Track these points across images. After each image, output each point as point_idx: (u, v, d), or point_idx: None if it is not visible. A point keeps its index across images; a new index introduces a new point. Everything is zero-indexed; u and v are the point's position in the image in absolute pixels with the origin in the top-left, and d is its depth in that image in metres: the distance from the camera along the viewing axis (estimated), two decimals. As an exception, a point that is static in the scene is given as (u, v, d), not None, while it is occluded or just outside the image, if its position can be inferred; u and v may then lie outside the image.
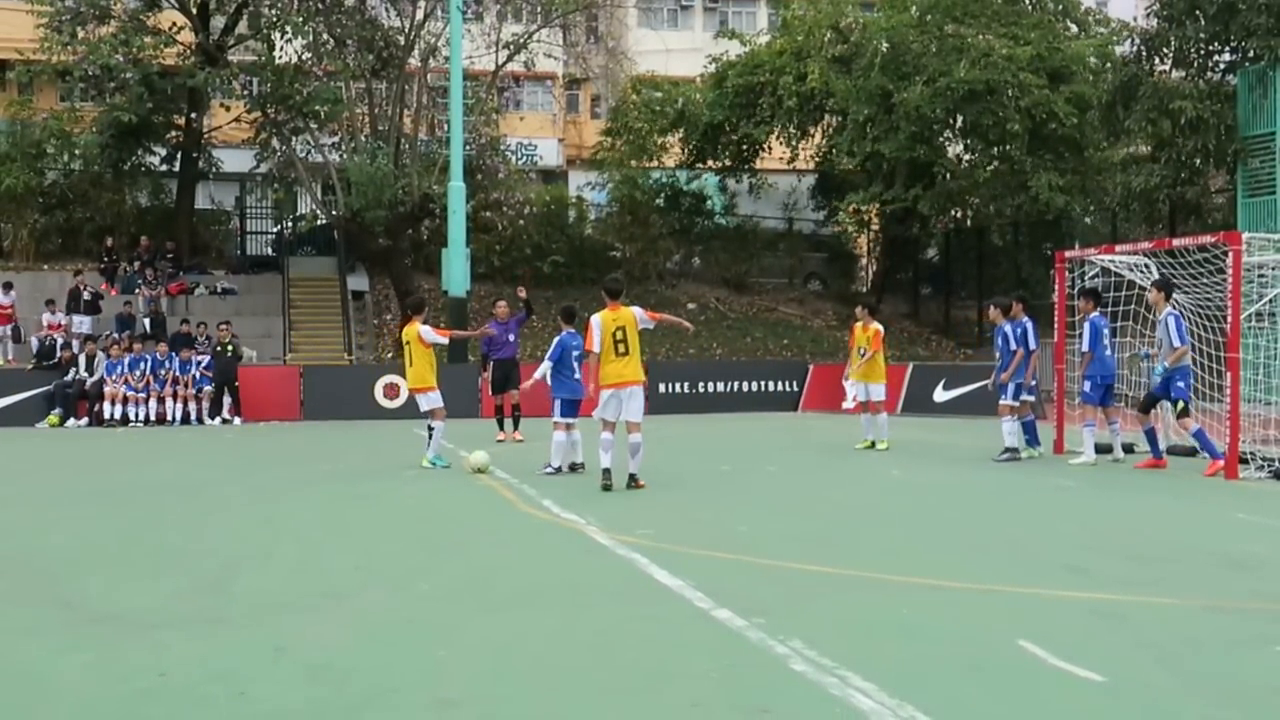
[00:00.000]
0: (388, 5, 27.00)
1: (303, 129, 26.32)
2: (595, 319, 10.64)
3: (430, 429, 12.89)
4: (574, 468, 12.01)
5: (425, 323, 13.09)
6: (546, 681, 4.74)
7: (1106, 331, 13.17)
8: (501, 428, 16.11)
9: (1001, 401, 13.44)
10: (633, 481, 10.54)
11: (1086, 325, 12.89)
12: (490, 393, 16.36)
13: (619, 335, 10.54)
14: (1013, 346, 13.11)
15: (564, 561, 7.40)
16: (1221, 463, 11.71)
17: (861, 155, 27.19)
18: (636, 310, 10.85)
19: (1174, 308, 12.11)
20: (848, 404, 15.32)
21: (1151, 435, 12.47)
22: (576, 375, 12.04)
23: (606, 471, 10.46)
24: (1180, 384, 11.95)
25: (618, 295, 10.86)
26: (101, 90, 26.20)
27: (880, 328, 15.16)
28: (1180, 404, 11.96)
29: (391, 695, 4.57)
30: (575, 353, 12.04)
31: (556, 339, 12.42)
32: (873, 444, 14.64)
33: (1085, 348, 12.81)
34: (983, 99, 25.54)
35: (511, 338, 16.16)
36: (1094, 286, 13.77)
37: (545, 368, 12.46)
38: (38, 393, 20.68)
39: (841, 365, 24.41)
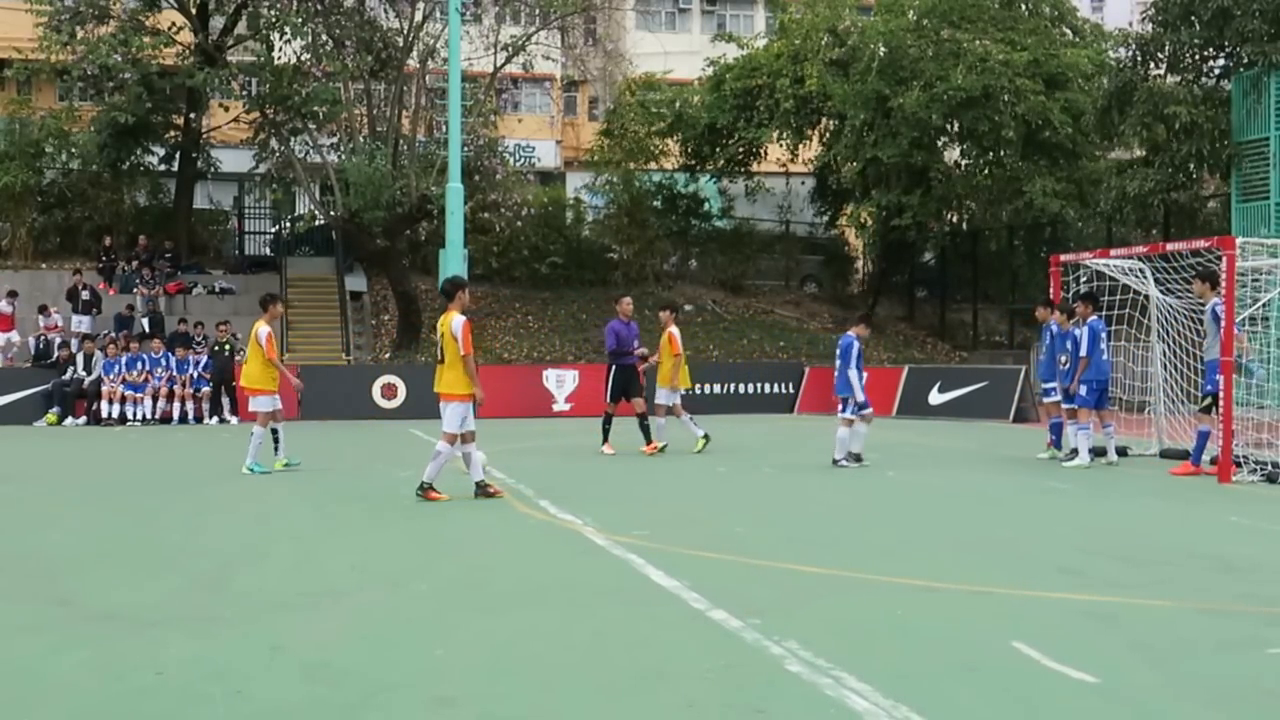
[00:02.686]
0: (386, 6, 27.01)
1: (301, 129, 26.33)
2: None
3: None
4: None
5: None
6: (543, 680, 4.76)
7: (1104, 335, 13.23)
8: (606, 439, 14.64)
9: (1065, 405, 13.48)
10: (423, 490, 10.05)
11: (1085, 329, 12.92)
12: (609, 398, 14.72)
13: (440, 341, 10.14)
14: (1083, 351, 12.93)
15: (561, 561, 7.43)
16: (1193, 467, 11.83)
17: (861, 161, 27.24)
18: (456, 321, 10.00)
19: (1220, 297, 12.04)
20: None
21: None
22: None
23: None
24: (1218, 378, 11.95)
25: (449, 297, 10.24)
26: (100, 90, 26.19)
27: (675, 331, 14.71)
28: (1207, 399, 11.97)
29: (389, 693, 4.59)
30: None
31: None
32: (662, 448, 14.40)
33: (1084, 352, 12.84)
34: (979, 104, 25.61)
35: (635, 342, 14.94)
36: (1090, 290, 13.83)
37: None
38: (36, 391, 20.70)
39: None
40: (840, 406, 13.16)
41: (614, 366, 14.69)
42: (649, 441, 14.43)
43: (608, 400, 14.69)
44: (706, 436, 14.47)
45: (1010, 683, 4.73)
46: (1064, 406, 13.56)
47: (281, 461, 12.59)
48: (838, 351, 13.24)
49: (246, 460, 12.26)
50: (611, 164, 31.68)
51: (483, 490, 10.18)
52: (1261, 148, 21.54)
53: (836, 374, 13.14)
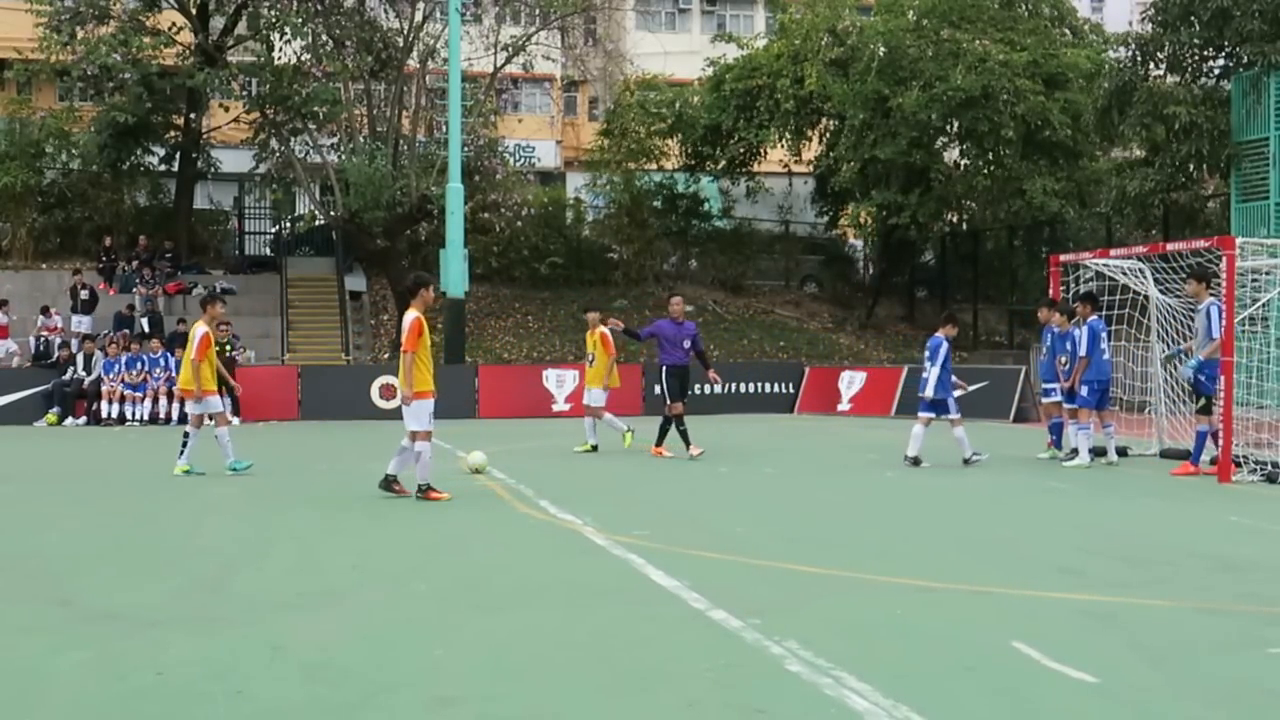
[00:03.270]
0: (387, 7, 27.03)
1: (301, 129, 26.34)
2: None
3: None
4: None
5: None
6: (543, 680, 4.77)
7: (1104, 335, 13.24)
8: (662, 441, 14.31)
9: (1066, 405, 13.51)
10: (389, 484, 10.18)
11: (1085, 329, 12.93)
12: (670, 399, 14.20)
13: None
14: (1082, 351, 12.92)
15: (561, 561, 7.43)
16: (1193, 468, 11.85)
17: (859, 161, 27.25)
18: (407, 317, 10.11)
19: (1215, 297, 12.07)
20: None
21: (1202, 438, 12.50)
22: None
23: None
24: (1202, 378, 11.99)
25: (411, 294, 10.39)
26: (100, 90, 26.19)
27: (606, 331, 14.69)
28: (1204, 400, 11.99)
29: (389, 693, 4.59)
30: None
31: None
32: (594, 447, 14.46)
33: (1084, 351, 12.85)
34: (979, 104, 25.61)
35: (687, 343, 14.45)
36: (1090, 290, 13.84)
37: None
38: (36, 391, 20.70)
39: (837, 369, 24.56)
40: (927, 408, 13.15)
41: (664, 368, 14.28)
42: (660, 443, 14.25)
43: (669, 402, 14.17)
44: (631, 430, 14.57)
45: (1010, 682, 4.73)
46: (1064, 406, 13.58)
47: (183, 466, 12.09)
48: (927, 354, 13.24)
49: (226, 462, 12.09)
50: (611, 164, 31.69)
51: (388, 485, 10.18)
52: (1261, 148, 21.55)
53: (927, 376, 13.05)
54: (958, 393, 13.21)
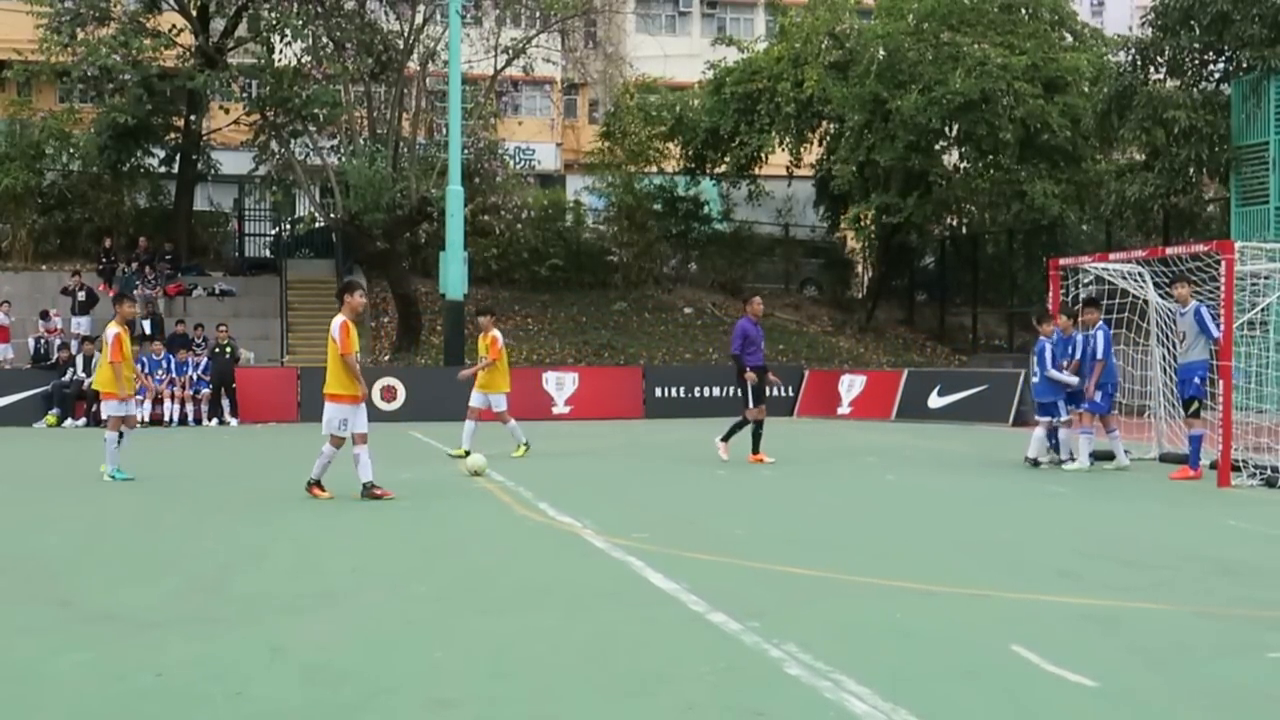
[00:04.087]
0: (387, 9, 27.06)
1: (301, 131, 26.37)
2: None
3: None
4: None
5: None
6: (542, 683, 4.77)
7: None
8: (759, 447, 13.85)
9: (1081, 408, 13.54)
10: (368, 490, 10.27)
11: (1099, 333, 12.92)
12: (753, 404, 13.85)
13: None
14: (1099, 355, 12.88)
15: (560, 564, 7.43)
16: (1193, 473, 11.86)
17: (857, 163, 27.28)
18: (335, 322, 10.24)
19: (1200, 299, 12.10)
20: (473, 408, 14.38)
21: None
22: None
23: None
24: (1197, 381, 12.00)
25: (339, 298, 10.55)
26: (100, 91, 26.23)
27: (499, 335, 14.47)
28: (1195, 404, 12.01)
29: (388, 695, 4.59)
30: None
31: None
32: (466, 452, 13.45)
33: (1100, 355, 12.83)
34: (978, 108, 25.65)
35: (761, 343, 14.25)
36: (1094, 295, 13.83)
37: None
38: (36, 392, 20.71)
39: (836, 371, 24.57)
40: (1044, 411, 13.15)
41: (747, 369, 13.81)
42: (757, 450, 13.74)
43: (753, 406, 13.77)
44: (468, 452, 13.48)
45: (1009, 686, 4.73)
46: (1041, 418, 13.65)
47: (107, 470, 11.95)
48: (1034, 358, 13.27)
49: (107, 466, 11.83)
50: (612, 167, 31.72)
51: (369, 491, 10.24)
52: (1261, 152, 21.57)
53: (1036, 380, 13.03)
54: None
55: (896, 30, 27.09)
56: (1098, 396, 12.87)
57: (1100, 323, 13.05)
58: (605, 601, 6.29)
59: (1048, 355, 13.20)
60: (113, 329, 11.99)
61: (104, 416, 12.09)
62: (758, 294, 15.37)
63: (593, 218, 33.36)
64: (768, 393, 14.18)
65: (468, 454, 13.38)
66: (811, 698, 4.52)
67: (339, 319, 10.25)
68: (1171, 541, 8.62)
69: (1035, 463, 13.23)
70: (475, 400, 14.35)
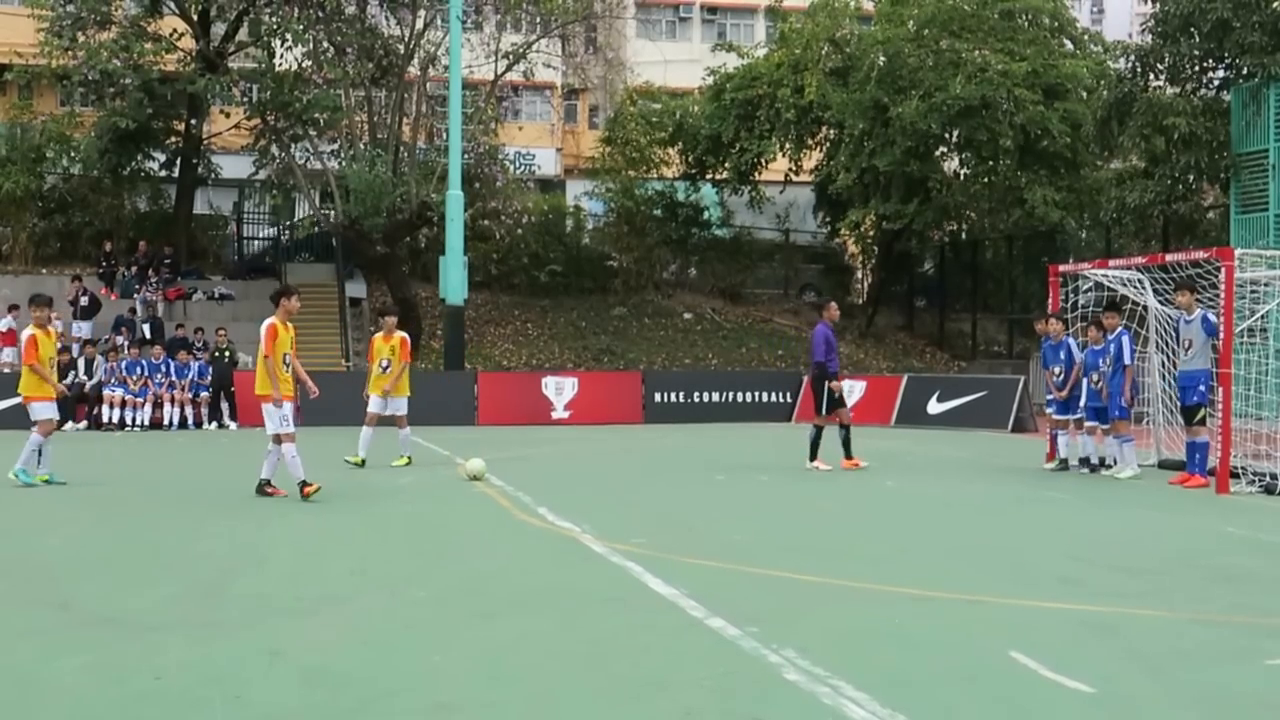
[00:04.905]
0: (388, 14, 27.10)
1: (302, 136, 26.38)
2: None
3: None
4: None
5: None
6: (541, 688, 4.77)
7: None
8: (851, 452, 13.53)
9: (1057, 416, 13.68)
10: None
11: (1124, 338, 12.93)
12: (824, 410, 13.47)
13: None
14: (1126, 361, 12.84)
15: (559, 569, 7.43)
16: (1200, 479, 11.87)
17: (857, 169, 27.31)
18: (263, 324, 10.66)
19: (1204, 306, 12.11)
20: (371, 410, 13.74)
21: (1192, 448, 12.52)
22: None
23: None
24: (1202, 388, 12.01)
25: (274, 302, 10.92)
26: (101, 95, 26.24)
27: (406, 336, 14.08)
28: (1200, 411, 12.02)
29: (387, 700, 4.60)
30: None
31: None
32: (362, 461, 13.18)
33: (1128, 360, 12.85)
34: (978, 114, 25.68)
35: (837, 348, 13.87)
36: (1113, 300, 13.85)
37: None
38: (34, 396, 20.66)
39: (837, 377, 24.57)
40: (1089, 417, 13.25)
41: (838, 376, 13.52)
42: (850, 455, 13.42)
43: (822, 412, 13.47)
44: (364, 461, 13.23)
45: (1007, 691, 4.74)
46: (1055, 417, 13.69)
47: (43, 475, 11.75)
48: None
49: (15, 466, 11.63)
50: (612, 173, 31.75)
51: (261, 489, 10.67)
52: (1260, 159, 21.61)
53: (1110, 384, 13.02)
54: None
55: (896, 36, 27.13)
56: (1122, 401, 12.90)
57: (1120, 328, 13.06)
58: (604, 606, 6.30)
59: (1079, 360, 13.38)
60: (28, 331, 11.94)
61: (33, 420, 11.81)
62: (832, 299, 14.81)
63: (593, 223, 33.38)
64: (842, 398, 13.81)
65: (363, 463, 13.10)
66: (810, 703, 4.53)
67: (269, 320, 10.62)
68: (1170, 548, 8.62)
69: (1065, 464, 13.47)
70: (375, 405, 13.66)
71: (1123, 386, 12.79)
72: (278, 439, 10.48)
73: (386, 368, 13.77)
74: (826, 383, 13.35)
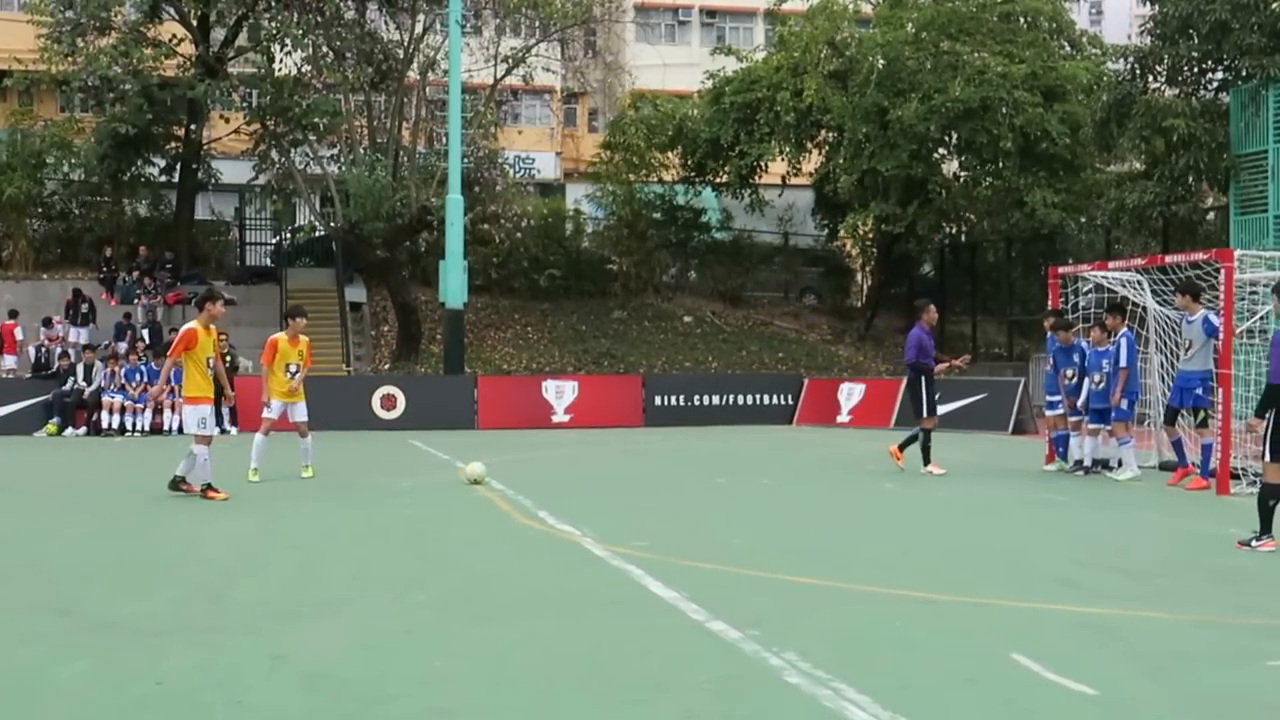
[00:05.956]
0: (387, 19, 27.12)
1: (302, 141, 26.40)
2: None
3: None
4: None
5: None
6: (542, 691, 4.78)
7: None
8: (929, 458, 13.22)
9: (1071, 419, 13.65)
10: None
11: (1124, 341, 12.94)
12: (926, 412, 13.35)
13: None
14: (1123, 363, 12.84)
15: (560, 572, 7.43)
16: (1203, 480, 11.88)
17: (858, 172, 27.32)
18: (184, 326, 11.58)
19: (1206, 308, 12.10)
20: (267, 416, 13.03)
21: (1179, 446, 12.53)
22: None
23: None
24: (1200, 391, 12.01)
25: (199, 307, 11.68)
26: (101, 101, 26.27)
27: (309, 340, 13.38)
28: (1202, 413, 12.03)
29: (388, 704, 4.60)
30: None
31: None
32: (256, 470, 12.68)
33: (1124, 363, 12.85)
34: (977, 116, 25.69)
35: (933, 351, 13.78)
36: (1116, 302, 13.86)
37: None
38: (36, 401, 20.72)
39: (836, 380, 24.58)
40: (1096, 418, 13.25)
41: (924, 378, 13.34)
42: (929, 460, 13.21)
43: (925, 414, 13.30)
44: (257, 470, 12.79)
45: (1009, 694, 4.74)
46: (1069, 419, 13.69)
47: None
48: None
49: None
50: (612, 177, 31.76)
51: (176, 483, 11.15)
52: (1260, 161, 21.61)
53: (1099, 388, 13.07)
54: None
55: (896, 39, 27.13)
56: (1124, 404, 12.89)
57: (1124, 330, 13.07)
58: (605, 610, 6.30)
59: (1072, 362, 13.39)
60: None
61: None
62: (930, 302, 14.50)
63: (592, 226, 33.39)
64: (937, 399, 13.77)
65: (257, 473, 12.62)
66: (811, 706, 4.53)
67: (188, 324, 11.30)
68: (1171, 550, 8.62)
69: (1081, 465, 13.43)
70: (274, 411, 12.94)
71: (1115, 388, 12.81)
72: (201, 440, 10.98)
73: (295, 372, 13.01)
74: (918, 383, 13.35)
